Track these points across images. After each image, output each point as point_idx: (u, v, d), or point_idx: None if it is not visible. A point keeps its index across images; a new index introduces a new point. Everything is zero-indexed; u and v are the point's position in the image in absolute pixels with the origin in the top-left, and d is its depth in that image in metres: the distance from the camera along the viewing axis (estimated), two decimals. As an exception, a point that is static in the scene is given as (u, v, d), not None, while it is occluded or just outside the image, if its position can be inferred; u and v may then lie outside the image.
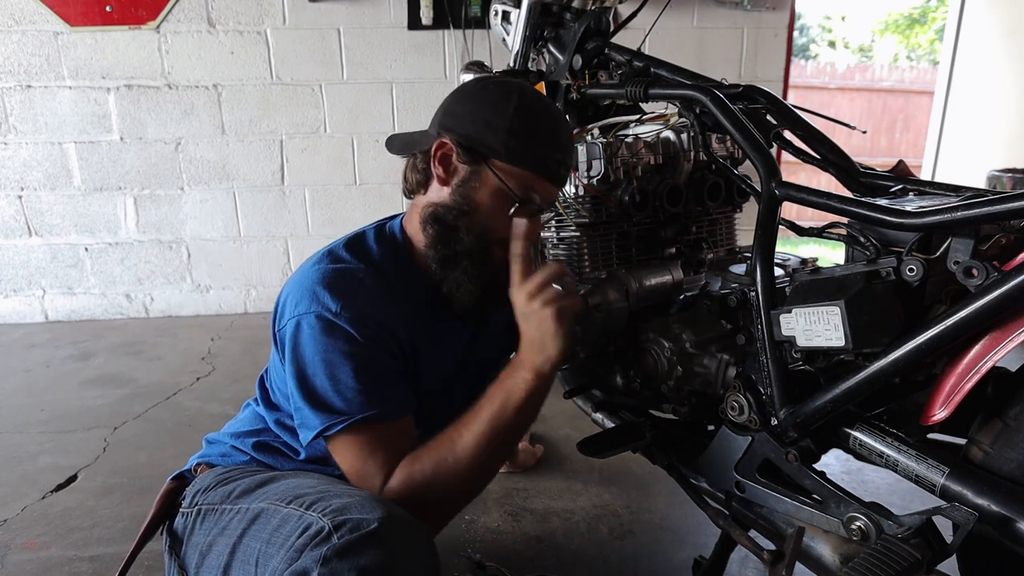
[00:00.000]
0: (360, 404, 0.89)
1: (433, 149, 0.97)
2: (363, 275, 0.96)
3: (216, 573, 0.87)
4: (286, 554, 0.75)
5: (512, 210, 0.96)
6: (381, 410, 0.90)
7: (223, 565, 0.87)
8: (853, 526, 0.86)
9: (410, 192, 1.04)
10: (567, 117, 1.34)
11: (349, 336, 0.90)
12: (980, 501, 0.77)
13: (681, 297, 1.17)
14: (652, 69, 1.25)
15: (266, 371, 1.10)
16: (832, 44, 12.44)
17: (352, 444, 0.91)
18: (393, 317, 0.95)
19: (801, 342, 0.88)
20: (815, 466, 0.94)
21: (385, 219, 1.10)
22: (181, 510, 1.01)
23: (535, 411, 0.95)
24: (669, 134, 1.27)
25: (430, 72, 3.17)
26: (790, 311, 0.89)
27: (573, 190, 1.23)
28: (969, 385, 0.78)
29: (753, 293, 0.94)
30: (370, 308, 0.93)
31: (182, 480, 1.09)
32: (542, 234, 1.30)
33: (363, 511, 0.74)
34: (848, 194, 1.01)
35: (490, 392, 0.93)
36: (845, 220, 0.90)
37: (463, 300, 1.00)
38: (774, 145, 1.11)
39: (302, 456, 1.02)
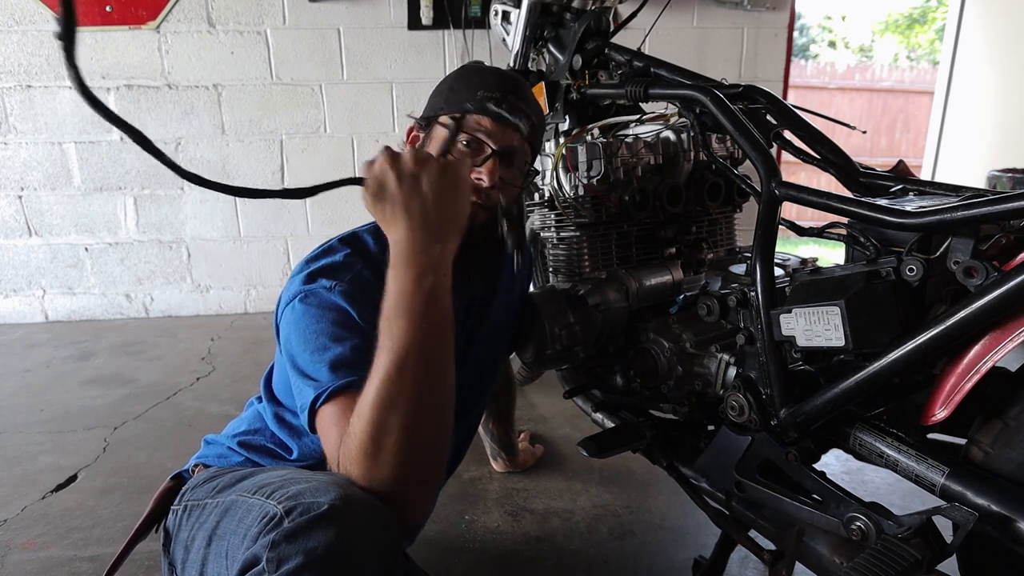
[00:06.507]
0: (346, 371, 0.84)
1: (407, 140, 1.06)
2: (357, 265, 0.98)
3: (197, 568, 0.87)
4: (247, 544, 0.73)
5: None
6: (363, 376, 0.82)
7: (201, 560, 0.87)
8: (853, 526, 0.85)
9: None
10: (567, 116, 1.34)
11: (341, 309, 0.91)
12: (980, 501, 0.77)
13: (681, 297, 1.17)
14: (652, 69, 1.25)
15: (271, 368, 1.11)
16: (832, 44, 12.44)
17: (333, 412, 0.84)
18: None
19: (801, 342, 0.88)
20: (815, 466, 0.94)
21: None
22: (172, 508, 1.02)
23: (435, 314, 0.79)
24: (669, 134, 1.27)
25: (430, 72, 3.17)
26: (790, 311, 0.89)
27: (573, 190, 1.23)
28: (969, 385, 0.78)
29: (753, 293, 0.94)
30: (362, 289, 0.93)
31: (180, 480, 1.09)
32: (542, 234, 1.31)
33: (316, 494, 0.71)
34: (848, 194, 1.01)
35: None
36: (845, 220, 0.90)
37: None
38: (774, 145, 1.11)
39: (294, 455, 1.02)
